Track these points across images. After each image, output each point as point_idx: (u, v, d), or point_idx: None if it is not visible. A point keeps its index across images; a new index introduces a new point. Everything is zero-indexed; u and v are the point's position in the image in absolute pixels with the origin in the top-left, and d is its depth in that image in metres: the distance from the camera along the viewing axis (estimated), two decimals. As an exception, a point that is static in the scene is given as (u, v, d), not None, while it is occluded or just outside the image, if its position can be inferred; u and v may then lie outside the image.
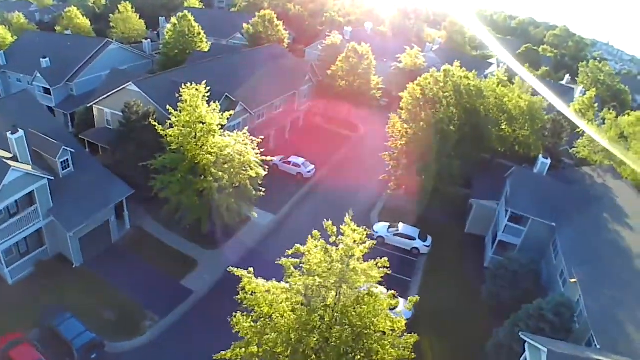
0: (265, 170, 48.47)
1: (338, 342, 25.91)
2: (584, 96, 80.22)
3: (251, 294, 28.19)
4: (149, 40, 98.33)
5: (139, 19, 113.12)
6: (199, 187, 45.47)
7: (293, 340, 26.68)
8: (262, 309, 28.07)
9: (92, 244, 46.88)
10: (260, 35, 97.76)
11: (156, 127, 45.37)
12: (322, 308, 27.09)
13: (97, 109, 61.37)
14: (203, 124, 44.97)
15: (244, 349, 28.11)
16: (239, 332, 28.07)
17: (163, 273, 46.84)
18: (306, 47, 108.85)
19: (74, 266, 45.91)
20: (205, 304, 44.38)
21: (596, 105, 78.82)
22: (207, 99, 45.69)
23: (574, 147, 64.99)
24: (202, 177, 45.73)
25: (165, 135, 45.06)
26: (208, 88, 45.58)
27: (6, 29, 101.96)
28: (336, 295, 26.80)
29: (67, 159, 46.36)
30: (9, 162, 39.64)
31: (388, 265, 27.73)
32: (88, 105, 62.61)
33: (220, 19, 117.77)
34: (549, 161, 55.24)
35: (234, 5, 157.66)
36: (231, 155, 45.81)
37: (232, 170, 45.59)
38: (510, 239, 49.83)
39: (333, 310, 27.14)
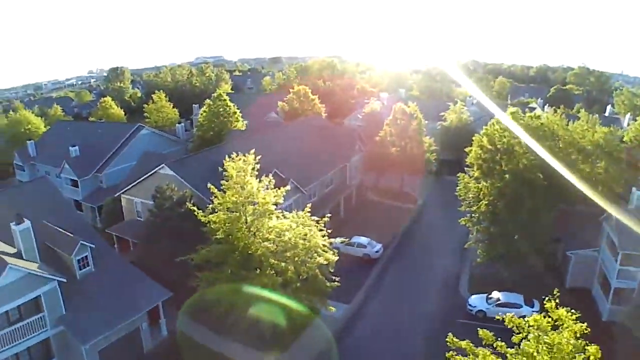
0: (336, 255, 36.00)
1: None
2: (635, 122, 72.37)
3: None
4: (182, 123, 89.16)
5: (173, 108, 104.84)
6: (256, 284, 32.75)
7: None
8: None
9: (117, 356, 34.51)
10: (297, 112, 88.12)
11: (195, 213, 33.68)
12: None
13: (126, 199, 50.45)
14: (255, 204, 33.15)
15: None
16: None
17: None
18: (344, 119, 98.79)
19: (93, 385, 33.14)
20: None
21: None
22: (256, 173, 34.11)
23: None
24: (258, 270, 33.31)
25: (208, 222, 33.37)
26: (258, 158, 34.02)
27: (41, 120, 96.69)
28: None
29: (86, 256, 36.15)
30: (8, 258, 30.10)
31: None
32: (115, 196, 51.74)
33: (253, 101, 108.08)
34: None
35: (263, 90, 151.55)
36: (293, 240, 33.59)
37: (296, 259, 33.29)
38: (625, 284, 41.63)
39: None
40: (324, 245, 35.17)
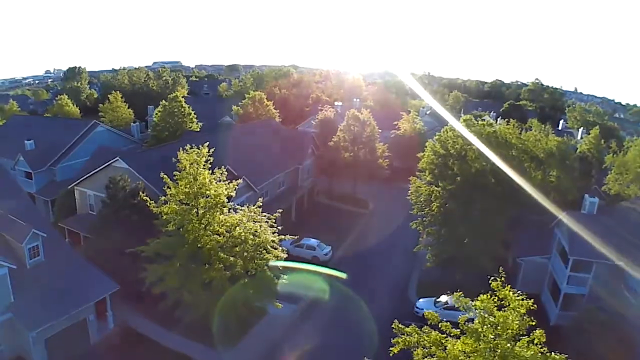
0: (285, 253, 36.64)
1: None
2: (589, 135, 76.44)
3: None
4: (137, 123, 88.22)
5: (128, 108, 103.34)
6: (205, 277, 32.93)
7: None
8: None
9: (64, 346, 33.87)
10: (251, 116, 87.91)
11: (148, 204, 33.76)
12: None
13: (79, 192, 49.66)
14: (206, 197, 33.53)
15: None
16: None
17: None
18: (297, 125, 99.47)
19: (36, 374, 32.40)
20: None
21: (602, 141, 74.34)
22: (209, 166, 34.53)
23: (605, 184, 57.92)
24: (208, 265, 33.53)
25: (159, 213, 33.46)
26: (211, 150, 34.46)
27: None
28: None
29: (37, 245, 35.14)
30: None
31: None
32: (69, 188, 51.01)
33: (208, 105, 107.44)
34: (596, 200, 47.10)
35: (220, 95, 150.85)
36: (243, 235, 34.04)
37: (245, 254, 33.67)
38: (575, 289, 41.97)
39: None
40: (273, 242, 35.70)
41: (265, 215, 36.28)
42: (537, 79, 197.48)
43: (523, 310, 17.26)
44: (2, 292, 31.79)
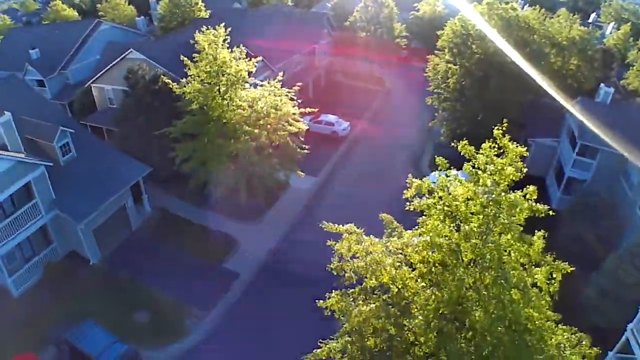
0: (306, 125, 37.85)
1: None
2: (618, 31, 75.58)
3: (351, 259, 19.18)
4: (142, 17, 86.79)
5: (128, 5, 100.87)
6: (232, 150, 34.53)
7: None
8: (380, 278, 18.48)
9: (109, 234, 36.74)
10: (261, 1, 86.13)
11: (171, 87, 34.75)
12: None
13: (97, 88, 50.87)
14: (228, 74, 34.21)
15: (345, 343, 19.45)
16: (334, 315, 19.55)
17: (199, 258, 36.36)
18: (310, 8, 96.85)
19: (91, 264, 35.59)
20: (256, 288, 34.37)
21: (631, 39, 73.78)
22: (227, 45, 34.89)
23: (624, 79, 58.80)
24: (233, 139, 35.00)
25: (182, 94, 34.52)
26: (228, 30, 34.65)
27: None
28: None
29: (67, 142, 36.60)
30: (-5, 150, 29.90)
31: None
32: (86, 86, 51.86)
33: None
34: (612, 90, 46.96)
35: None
36: (266, 109, 35.08)
37: (268, 126, 34.98)
38: (579, 174, 42.86)
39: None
40: (294, 114, 36.82)
41: (285, 90, 37.02)
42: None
43: (519, 160, 17.81)
44: (44, 190, 33.46)
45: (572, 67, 53.76)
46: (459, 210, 17.35)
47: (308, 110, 38.28)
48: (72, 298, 32.34)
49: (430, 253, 18.01)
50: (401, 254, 19.03)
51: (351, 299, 19.34)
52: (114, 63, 46.90)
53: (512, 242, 17.06)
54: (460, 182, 17.71)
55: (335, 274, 19.39)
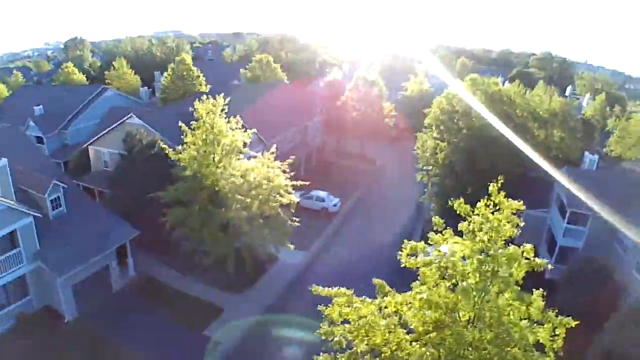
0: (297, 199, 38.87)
1: None
2: (594, 101, 79.70)
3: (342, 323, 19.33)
4: (146, 88, 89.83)
5: (134, 75, 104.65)
6: (222, 218, 35.27)
7: None
8: (373, 340, 18.45)
9: (89, 293, 36.39)
10: (259, 79, 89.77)
11: (166, 152, 35.99)
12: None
13: (93, 150, 51.98)
14: (222, 144, 35.60)
15: None
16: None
17: (179, 324, 35.85)
18: (305, 88, 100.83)
19: (65, 321, 35.15)
20: (237, 357, 33.66)
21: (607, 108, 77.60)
22: (225, 115, 36.47)
23: (607, 146, 62.00)
24: (225, 208, 35.80)
25: (178, 161, 35.61)
26: (227, 100, 36.34)
27: (3, 86, 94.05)
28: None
29: (59, 197, 37.10)
30: (-15, 195, 30.25)
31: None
32: (83, 147, 53.18)
33: (215, 69, 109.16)
34: (596, 157, 49.29)
35: (224, 61, 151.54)
36: (258, 180, 36.20)
37: (260, 197, 35.86)
38: (571, 242, 43.52)
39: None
40: (286, 186, 37.92)
41: (277, 163, 38.31)
42: (546, 49, 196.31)
43: (513, 211, 18.20)
44: (29, 240, 33.61)
45: (556, 139, 55.43)
46: (455, 268, 17.48)
47: (300, 183, 39.30)
48: (41, 352, 31.77)
49: (426, 313, 17.98)
50: (396, 314, 18.96)
51: None
52: (113, 126, 48.27)
53: (510, 301, 17.28)
54: (456, 241, 18.17)
55: (324, 338, 19.38)
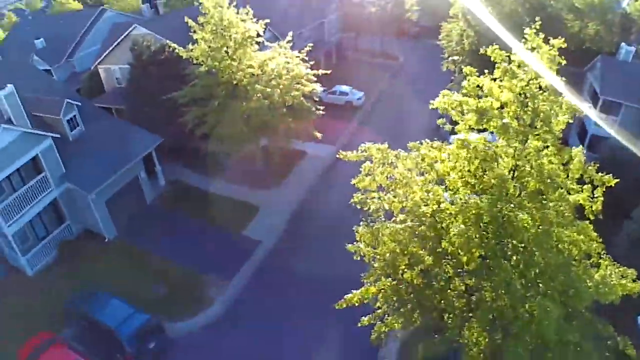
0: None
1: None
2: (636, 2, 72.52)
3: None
4: (147, 4, 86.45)
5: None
6: (244, 110, 33.70)
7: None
8: (412, 195, 17.48)
9: (124, 208, 35.92)
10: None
11: (177, 51, 34.18)
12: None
13: (103, 69, 50.35)
14: (234, 35, 33.64)
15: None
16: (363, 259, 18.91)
17: (218, 228, 35.53)
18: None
19: (106, 240, 34.89)
20: (279, 253, 33.51)
21: None
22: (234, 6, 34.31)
23: None
24: (245, 101, 34.23)
25: (190, 59, 34.04)
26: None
27: None
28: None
29: (75, 116, 35.85)
30: (0, 124, 29.54)
31: None
32: (92, 68, 51.56)
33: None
34: (633, 48, 46.74)
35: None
36: (277, 70, 34.39)
37: (281, 86, 34.19)
38: (602, 131, 41.59)
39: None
40: (307, 74, 36.07)
41: (295, 52, 36.39)
42: None
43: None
44: (52, 163, 32.97)
45: (591, 32, 53.22)
46: (492, 111, 16.25)
47: (320, 72, 37.40)
48: (87, 274, 31.72)
49: (464, 156, 16.69)
50: (434, 165, 17.89)
51: (379, 226, 18.11)
52: (119, 40, 46.31)
53: (551, 156, 16.20)
54: (492, 84, 16.52)
55: (359, 207, 18.48)
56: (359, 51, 72.53)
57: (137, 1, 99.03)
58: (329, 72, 40.08)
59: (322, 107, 38.56)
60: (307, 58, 36.66)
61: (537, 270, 15.83)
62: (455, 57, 50.51)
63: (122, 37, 45.93)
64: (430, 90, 55.13)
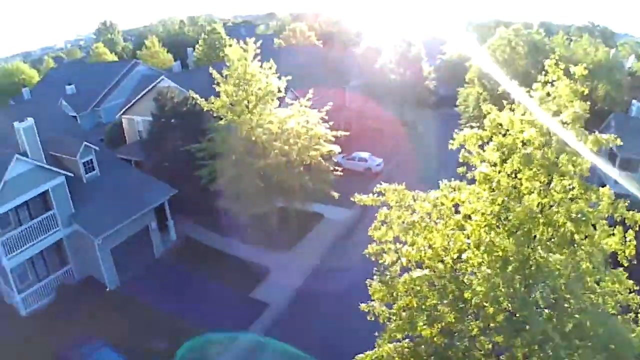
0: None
1: None
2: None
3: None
4: (178, 62, 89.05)
5: (167, 53, 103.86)
6: (261, 166, 33.69)
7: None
8: (432, 241, 16.56)
9: (130, 259, 35.20)
10: (293, 47, 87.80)
11: (199, 102, 34.69)
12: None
13: (127, 120, 51.17)
14: (255, 88, 34.21)
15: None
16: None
17: (226, 287, 34.54)
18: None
19: (107, 289, 34.14)
20: (288, 318, 32.17)
21: None
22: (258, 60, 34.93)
23: None
24: (262, 159, 34.27)
25: (211, 111, 34.41)
26: (258, 43, 34.73)
27: (34, 70, 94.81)
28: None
29: (92, 160, 36.06)
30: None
31: None
32: (116, 118, 52.52)
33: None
34: None
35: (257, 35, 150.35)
36: (296, 130, 34.64)
37: (299, 145, 34.26)
38: (621, 189, 39.48)
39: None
40: (325, 134, 36.14)
41: (315, 112, 36.58)
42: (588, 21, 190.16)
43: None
44: (62, 202, 32.83)
45: (601, 93, 54.19)
46: (515, 141, 15.48)
47: (340, 133, 37.42)
48: (84, 324, 30.41)
49: (486, 196, 15.70)
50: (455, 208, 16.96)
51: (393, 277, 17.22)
52: (145, 91, 47.13)
53: (577, 195, 15.08)
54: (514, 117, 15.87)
55: (373, 259, 17.75)
56: (379, 119, 73.08)
57: (170, 59, 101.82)
58: (348, 133, 40.03)
59: (340, 169, 38.49)
60: (326, 118, 36.80)
61: (574, 323, 14.63)
62: (473, 124, 50.50)
63: (149, 88, 46.74)
64: (448, 163, 55.71)
